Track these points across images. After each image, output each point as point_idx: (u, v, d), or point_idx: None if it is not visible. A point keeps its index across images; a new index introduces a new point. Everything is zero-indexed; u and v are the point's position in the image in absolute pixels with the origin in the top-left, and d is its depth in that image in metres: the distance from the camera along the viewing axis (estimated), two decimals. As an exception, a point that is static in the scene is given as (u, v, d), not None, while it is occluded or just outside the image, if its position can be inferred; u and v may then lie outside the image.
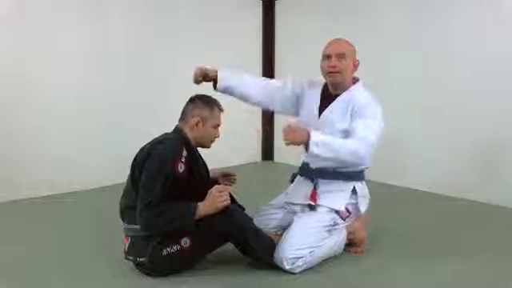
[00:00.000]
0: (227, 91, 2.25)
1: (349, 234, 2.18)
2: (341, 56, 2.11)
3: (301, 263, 1.98)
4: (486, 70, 3.06)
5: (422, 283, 1.93)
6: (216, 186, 1.92)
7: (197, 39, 4.06)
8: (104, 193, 3.36)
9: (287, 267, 1.97)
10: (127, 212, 1.94)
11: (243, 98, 2.29)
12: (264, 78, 2.44)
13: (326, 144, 1.93)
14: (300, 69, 4.40)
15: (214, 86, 2.24)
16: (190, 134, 1.99)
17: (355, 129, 2.00)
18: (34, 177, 3.27)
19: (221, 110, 2.04)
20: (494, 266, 2.09)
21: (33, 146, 3.28)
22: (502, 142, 3.04)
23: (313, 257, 2.01)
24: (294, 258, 1.96)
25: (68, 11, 3.37)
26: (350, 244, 2.21)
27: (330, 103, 2.14)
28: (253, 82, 2.31)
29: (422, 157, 3.46)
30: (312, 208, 2.11)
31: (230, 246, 2.00)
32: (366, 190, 2.23)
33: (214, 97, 2.09)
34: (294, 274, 1.97)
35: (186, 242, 1.87)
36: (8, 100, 3.16)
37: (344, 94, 2.13)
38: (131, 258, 1.93)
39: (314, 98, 2.22)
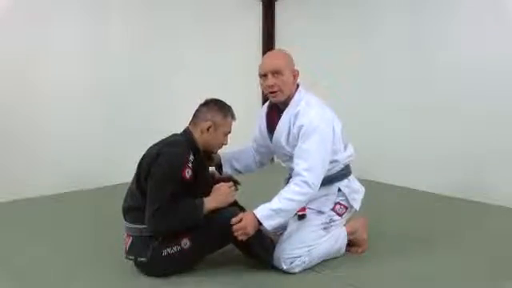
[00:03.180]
0: (234, 171, 2.28)
1: (350, 234, 2.17)
2: (277, 72, 1.97)
3: (299, 263, 1.97)
4: (484, 70, 3.06)
5: (423, 283, 1.93)
6: (223, 183, 1.97)
7: (197, 39, 4.06)
8: (104, 193, 3.36)
9: (285, 267, 1.97)
10: (131, 212, 1.95)
11: (247, 171, 2.33)
12: (250, 146, 2.37)
13: (275, 212, 1.87)
14: (300, 69, 4.40)
15: (219, 171, 2.26)
16: (200, 138, 1.97)
17: (297, 169, 1.91)
18: (33, 177, 3.27)
19: (234, 118, 2.03)
20: (493, 264, 2.09)
21: (33, 145, 3.28)
22: (495, 141, 3.05)
23: (311, 256, 2.00)
24: (291, 258, 1.96)
25: (68, 10, 3.37)
26: (351, 244, 2.20)
27: (278, 119, 2.07)
28: (246, 154, 2.33)
29: (421, 157, 3.47)
30: (301, 217, 2.04)
31: (229, 247, 2.00)
32: (356, 185, 2.16)
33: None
34: (293, 274, 1.97)
35: (186, 243, 1.87)
36: (8, 99, 3.17)
37: (287, 109, 2.03)
38: (132, 257, 1.94)
39: (262, 122, 2.19)
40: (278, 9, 4.58)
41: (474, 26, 3.12)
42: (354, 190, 2.13)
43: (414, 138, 3.52)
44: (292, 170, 2.04)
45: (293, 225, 2.06)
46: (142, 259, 1.90)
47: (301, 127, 1.94)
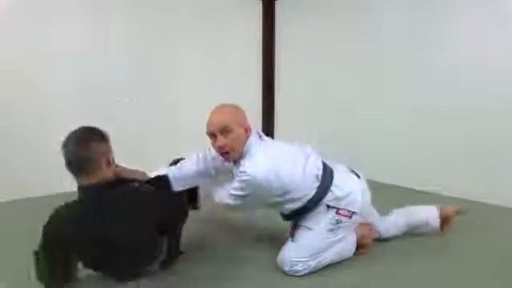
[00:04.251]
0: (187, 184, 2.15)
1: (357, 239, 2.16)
2: (226, 130, 1.86)
3: (300, 268, 1.97)
4: (485, 71, 3.06)
5: (423, 283, 1.94)
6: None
7: (196, 39, 4.06)
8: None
9: (286, 269, 1.98)
10: (115, 268, 1.82)
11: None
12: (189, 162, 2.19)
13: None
14: (300, 68, 4.41)
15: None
16: (107, 175, 1.70)
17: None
18: (33, 177, 3.27)
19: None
20: (493, 264, 2.10)
21: (33, 145, 3.28)
22: (495, 141, 3.05)
23: (317, 261, 2.00)
24: (294, 262, 1.97)
25: (68, 10, 3.37)
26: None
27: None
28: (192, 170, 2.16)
29: (421, 156, 3.47)
30: (293, 237, 2.04)
31: (231, 246, 2.00)
32: (342, 191, 2.00)
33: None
34: (295, 276, 1.97)
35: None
36: (8, 100, 3.17)
37: (237, 163, 1.95)
38: None
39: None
40: (278, 9, 4.58)
41: (474, 26, 3.12)
42: (341, 198, 2.00)
43: (414, 137, 3.52)
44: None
45: (299, 233, 2.04)
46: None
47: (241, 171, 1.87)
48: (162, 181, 1.95)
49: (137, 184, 1.78)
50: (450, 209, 2.39)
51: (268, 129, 4.71)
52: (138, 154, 3.55)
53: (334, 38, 4.04)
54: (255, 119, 4.64)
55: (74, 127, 3.40)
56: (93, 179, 1.64)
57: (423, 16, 3.39)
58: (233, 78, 4.22)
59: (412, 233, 2.38)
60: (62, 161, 3.51)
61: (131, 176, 1.90)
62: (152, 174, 2.08)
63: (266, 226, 2.56)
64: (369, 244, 2.23)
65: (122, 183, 1.73)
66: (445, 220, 2.36)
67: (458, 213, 2.41)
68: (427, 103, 3.40)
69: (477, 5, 3.09)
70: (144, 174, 2.00)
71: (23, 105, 3.23)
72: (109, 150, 1.71)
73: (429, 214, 2.36)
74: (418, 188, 3.44)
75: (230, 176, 2.03)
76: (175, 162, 2.20)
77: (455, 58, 3.23)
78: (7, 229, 2.63)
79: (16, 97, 3.20)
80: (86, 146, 1.63)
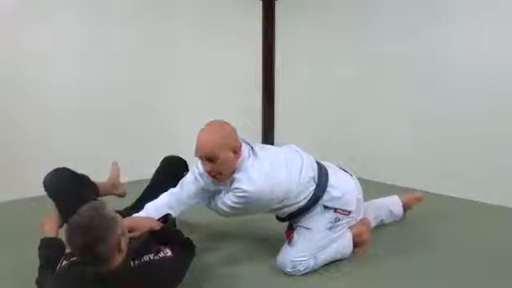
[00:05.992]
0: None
1: (355, 236, 2.16)
2: (212, 158, 1.81)
3: (301, 268, 1.97)
4: (485, 71, 3.06)
5: (423, 283, 1.94)
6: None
7: (196, 39, 4.06)
8: (104, 193, 3.35)
9: (288, 270, 1.98)
10: None
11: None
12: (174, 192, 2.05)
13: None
14: (300, 68, 4.41)
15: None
16: (116, 262, 1.49)
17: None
18: (33, 178, 3.27)
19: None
20: (493, 264, 2.10)
21: (32, 147, 3.28)
22: (494, 141, 3.05)
23: (316, 260, 2.01)
24: (295, 262, 1.97)
25: (68, 12, 3.37)
26: (353, 245, 2.19)
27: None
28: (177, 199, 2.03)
29: (422, 156, 3.47)
30: (290, 241, 2.04)
31: (231, 247, 2.00)
32: (338, 191, 2.02)
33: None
34: (295, 276, 1.97)
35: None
36: (8, 100, 3.17)
37: (232, 184, 1.90)
38: None
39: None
40: (278, 9, 4.57)
41: (474, 27, 3.12)
42: (338, 198, 2.02)
43: (415, 137, 3.51)
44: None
45: (298, 233, 2.04)
46: None
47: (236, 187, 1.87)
48: (170, 226, 1.84)
49: (148, 260, 1.60)
50: (409, 196, 2.61)
51: (268, 129, 4.71)
52: (138, 156, 3.56)
53: (334, 38, 4.03)
54: (255, 120, 4.64)
55: (73, 129, 3.45)
56: (102, 268, 1.48)
57: (423, 16, 3.38)
58: (233, 78, 4.22)
59: (380, 224, 2.50)
60: (61, 161, 3.51)
61: (142, 225, 1.76)
62: (152, 207, 1.98)
63: (264, 225, 2.56)
64: (366, 240, 2.23)
65: (130, 269, 1.54)
66: (406, 208, 2.58)
67: (418, 200, 2.60)
68: (428, 105, 3.40)
69: (476, 5, 3.09)
70: (153, 220, 1.84)
71: (23, 105, 3.23)
72: (117, 234, 1.46)
73: (392, 204, 2.53)
74: (417, 188, 3.44)
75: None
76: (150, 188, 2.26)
77: (455, 59, 3.22)
78: (7, 229, 2.62)
79: (16, 97, 3.19)
80: (92, 247, 1.41)
